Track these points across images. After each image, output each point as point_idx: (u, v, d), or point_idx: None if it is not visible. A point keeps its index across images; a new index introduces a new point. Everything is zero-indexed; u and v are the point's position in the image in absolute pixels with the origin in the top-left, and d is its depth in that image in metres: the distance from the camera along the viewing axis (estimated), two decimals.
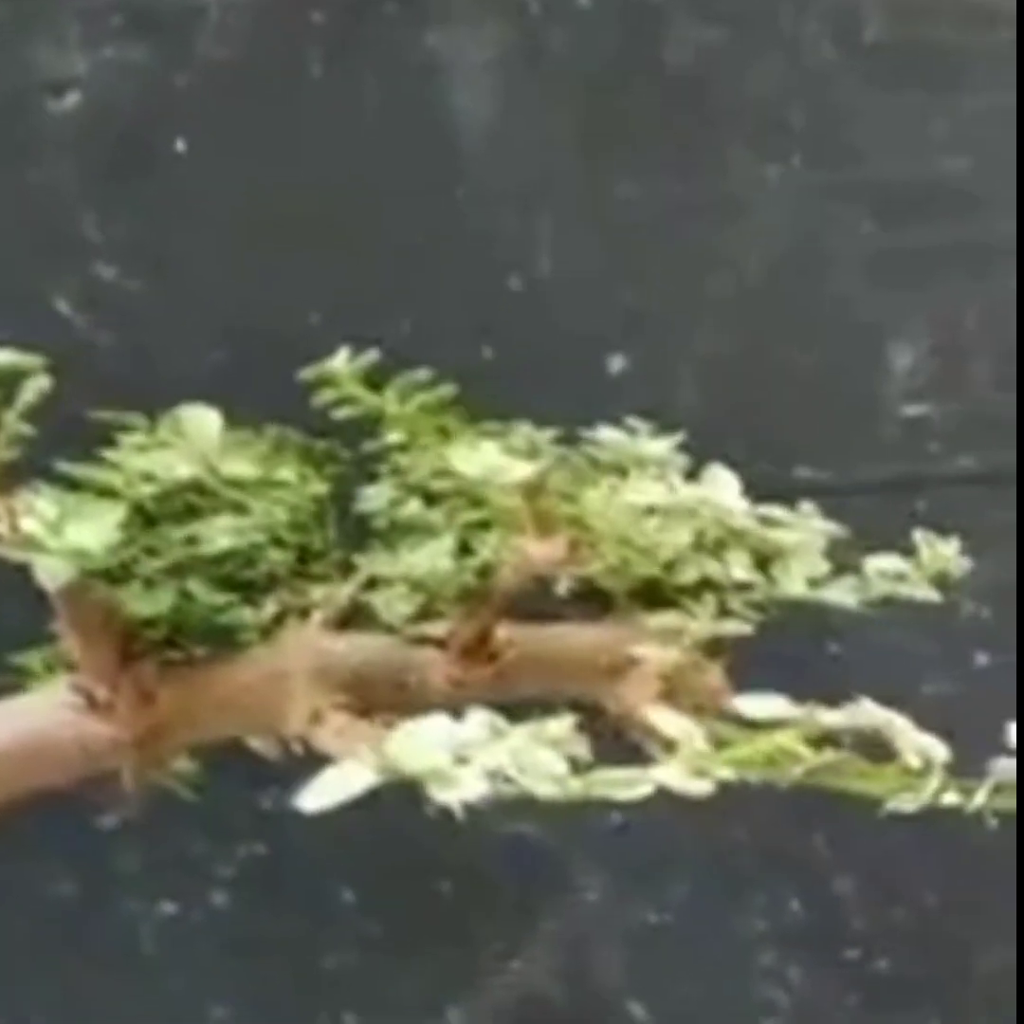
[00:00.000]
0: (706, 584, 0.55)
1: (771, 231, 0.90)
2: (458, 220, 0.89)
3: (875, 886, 0.95)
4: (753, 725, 0.47)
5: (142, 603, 0.53)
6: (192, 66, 0.88)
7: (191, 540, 0.53)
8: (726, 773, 0.44)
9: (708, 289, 0.91)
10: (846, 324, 0.91)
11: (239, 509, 0.53)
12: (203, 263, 0.89)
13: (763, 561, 0.55)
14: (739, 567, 0.54)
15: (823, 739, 0.47)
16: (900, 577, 0.55)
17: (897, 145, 0.90)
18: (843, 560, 0.56)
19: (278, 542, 0.54)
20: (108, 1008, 0.95)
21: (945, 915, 0.95)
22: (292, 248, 0.88)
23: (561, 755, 0.43)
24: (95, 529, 0.46)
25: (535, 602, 0.55)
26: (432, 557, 0.54)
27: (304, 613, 0.55)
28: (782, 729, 0.45)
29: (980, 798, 0.47)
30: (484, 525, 0.54)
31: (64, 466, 0.51)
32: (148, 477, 0.51)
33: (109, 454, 0.51)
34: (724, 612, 0.55)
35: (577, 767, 0.43)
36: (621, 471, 0.56)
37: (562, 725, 0.44)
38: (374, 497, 0.57)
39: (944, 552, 0.55)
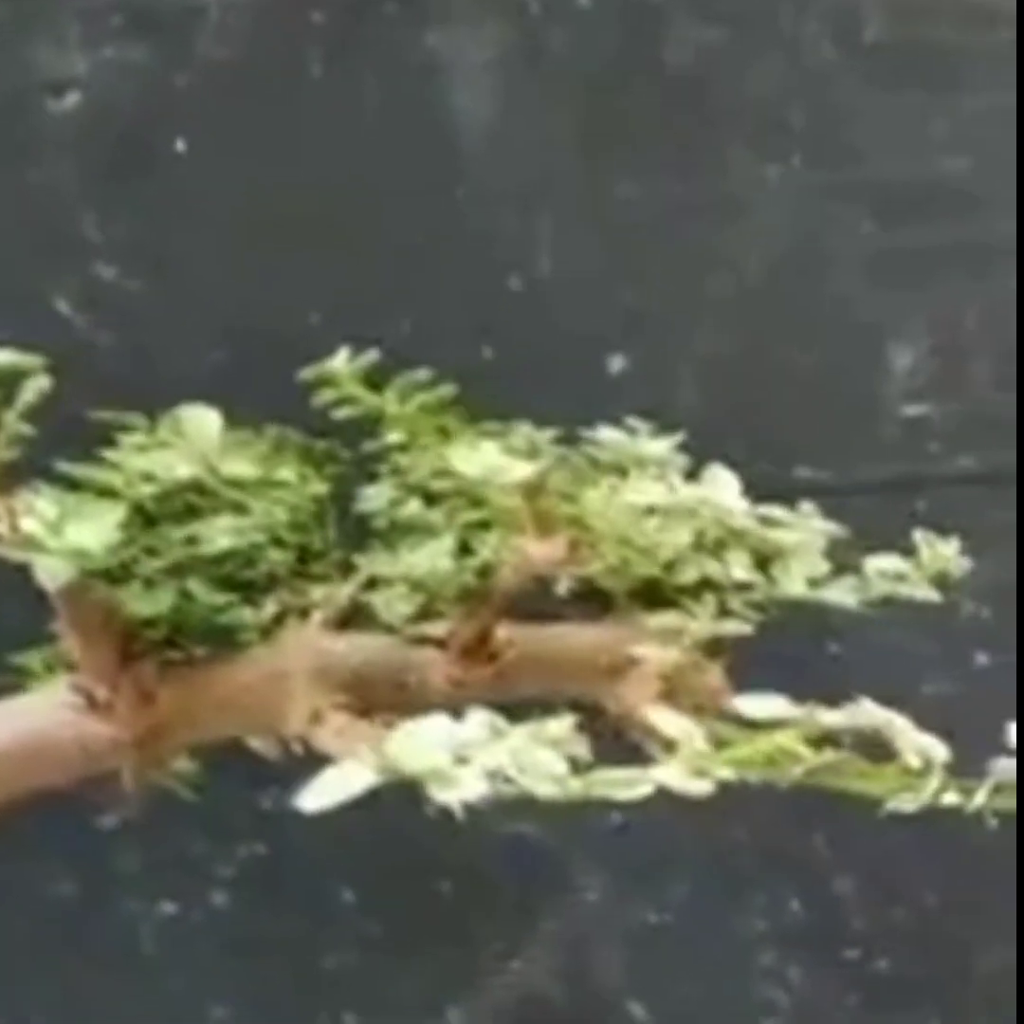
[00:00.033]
0: (706, 584, 0.55)
1: (771, 231, 0.90)
2: (458, 220, 0.89)
3: (875, 886, 0.95)
4: (753, 725, 0.47)
5: (142, 603, 0.53)
6: (192, 66, 0.88)
7: (191, 540, 0.53)
8: (726, 773, 0.44)
9: (708, 289, 0.91)
10: (846, 324, 0.91)
11: (239, 509, 0.53)
12: (203, 263, 0.89)
13: (763, 561, 0.55)
14: (739, 567, 0.54)
15: (823, 739, 0.47)
16: (900, 577, 0.55)
17: (897, 145, 0.90)
18: (843, 560, 0.56)
19: (278, 542, 0.54)
20: (108, 1008, 0.95)
21: (945, 915, 0.95)
22: (292, 248, 0.88)
23: (561, 755, 0.43)
24: (95, 529, 0.46)
25: (535, 602, 0.55)
26: (432, 557, 0.54)
27: (304, 613, 0.55)
28: (782, 729, 0.45)
29: (980, 798, 0.47)
30: (484, 525, 0.54)
31: (64, 466, 0.51)
32: (148, 477, 0.51)
33: (109, 454, 0.51)
34: (724, 612, 0.55)
35: (577, 767, 0.43)
36: (621, 471, 0.56)
37: (562, 725, 0.44)
38: (374, 497, 0.57)
39: (944, 552, 0.55)
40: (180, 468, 0.51)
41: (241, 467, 0.53)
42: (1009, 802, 0.47)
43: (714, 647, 0.55)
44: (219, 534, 0.53)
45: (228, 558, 0.53)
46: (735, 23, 0.89)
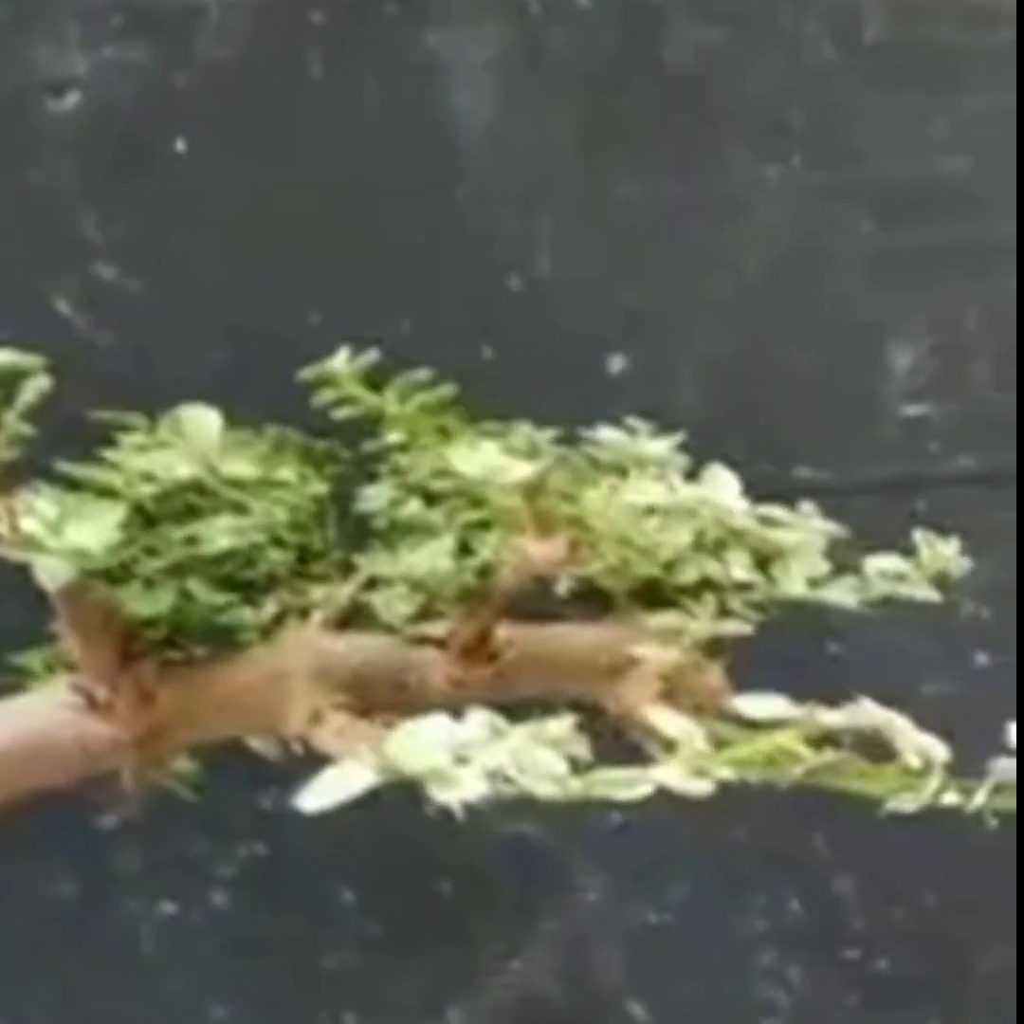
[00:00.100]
0: (706, 584, 0.55)
1: (771, 231, 0.90)
2: (458, 220, 0.89)
3: (875, 886, 0.95)
4: (753, 725, 0.47)
5: (142, 603, 0.53)
6: (192, 66, 0.88)
7: (191, 540, 0.53)
8: (726, 773, 0.44)
9: (708, 289, 0.91)
10: (846, 324, 0.91)
11: (239, 509, 0.53)
12: (203, 263, 0.89)
13: (763, 561, 0.55)
14: (739, 567, 0.54)
15: (823, 739, 0.47)
16: (900, 577, 0.55)
17: (897, 145, 0.90)
18: (843, 560, 0.56)
19: (278, 542, 0.54)
20: (108, 1008, 0.95)
21: (945, 915, 0.95)
22: (292, 248, 0.88)
23: (561, 755, 0.43)
24: (95, 529, 0.46)
25: (535, 602, 0.55)
26: (432, 557, 0.54)
27: (304, 613, 0.55)
28: (782, 729, 0.45)
29: (980, 798, 0.47)
30: (484, 525, 0.54)
31: (64, 466, 0.51)
32: (148, 477, 0.51)
33: (109, 454, 0.51)
34: (724, 612, 0.55)
35: (577, 767, 0.43)
36: (621, 471, 0.56)
37: (562, 725, 0.43)
38: (374, 497, 0.57)
39: (944, 552, 0.55)
40: (180, 468, 0.51)
41: (241, 467, 0.53)
42: (1009, 802, 0.47)
43: (714, 647, 0.55)
44: (219, 534, 0.53)
45: (228, 558, 0.53)
46: (735, 23, 0.89)
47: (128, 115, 0.88)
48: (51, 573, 0.47)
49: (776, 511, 0.55)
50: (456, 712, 0.45)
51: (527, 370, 0.89)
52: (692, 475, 0.56)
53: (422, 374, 0.51)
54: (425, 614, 0.54)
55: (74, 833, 0.90)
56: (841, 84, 0.89)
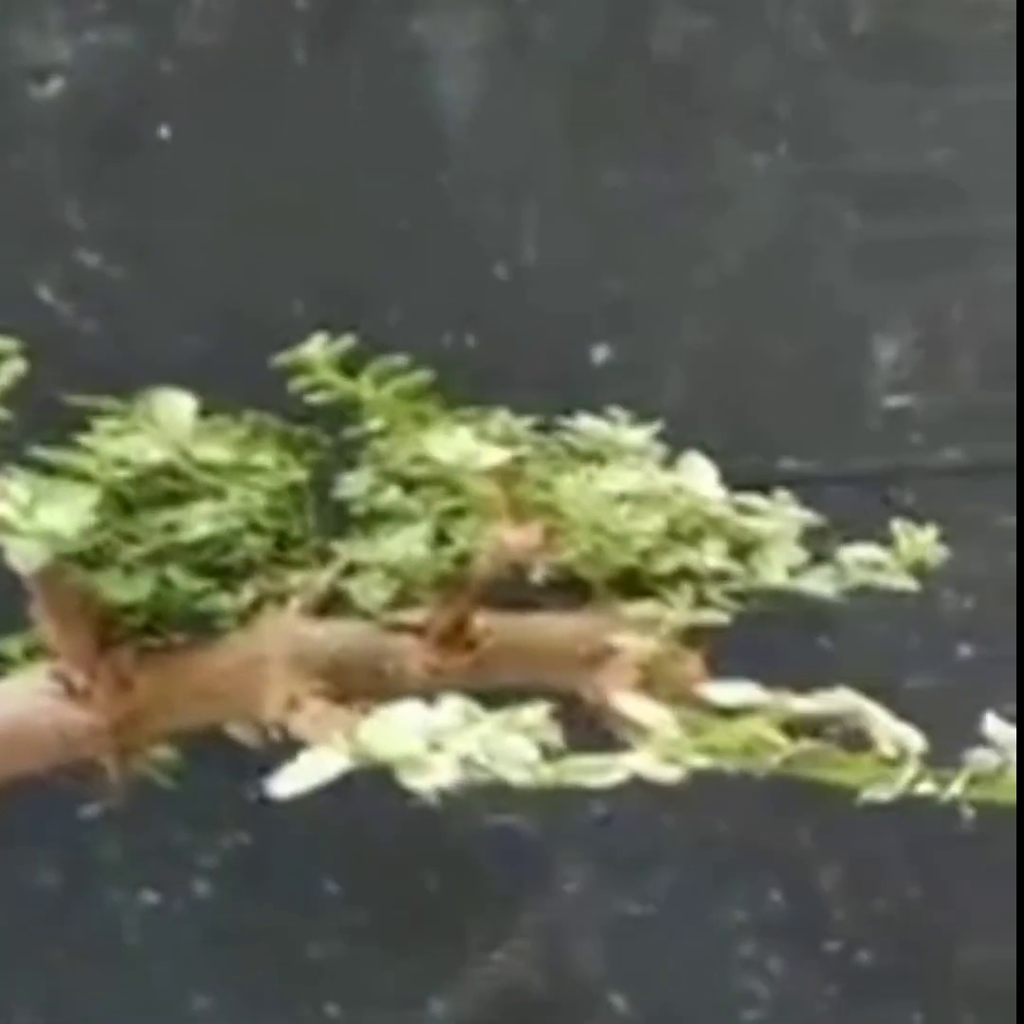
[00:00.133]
0: (684, 573, 0.55)
1: (757, 222, 0.90)
2: (443, 208, 0.89)
3: (856, 878, 0.95)
4: (729, 714, 0.47)
5: (121, 590, 0.53)
6: (176, 52, 0.87)
7: (170, 527, 0.53)
8: (699, 760, 0.44)
9: (694, 279, 0.90)
10: (831, 315, 0.91)
11: (216, 494, 0.53)
12: (187, 250, 0.89)
13: (741, 550, 0.55)
14: (716, 556, 0.54)
15: (801, 729, 0.47)
16: (877, 566, 0.55)
17: (884, 136, 0.90)
18: (822, 550, 0.56)
19: (256, 528, 0.54)
20: (90, 998, 0.95)
21: (927, 907, 0.96)
22: (276, 235, 0.88)
23: (533, 742, 0.43)
24: (67, 512, 0.46)
25: (514, 591, 0.55)
26: (408, 544, 0.54)
27: (282, 599, 0.55)
28: (754, 716, 0.45)
29: (956, 788, 0.47)
30: (461, 512, 0.54)
31: (39, 451, 0.50)
32: (122, 462, 0.51)
33: (83, 439, 0.51)
34: (702, 602, 0.55)
35: (549, 754, 0.43)
36: (600, 460, 0.56)
37: (536, 712, 0.43)
38: (353, 484, 0.57)
39: (922, 541, 0.55)
40: (152, 452, 0.51)
41: (215, 452, 0.53)
42: (986, 793, 0.47)
43: (693, 637, 0.55)
44: (198, 520, 0.53)
45: (206, 544, 0.53)
46: (722, 12, 0.88)
47: (111, 101, 0.88)
48: (24, 556, 0.47)
49: (752, 499, 0.55)
50: (433, 700, 0.45)
51: (512, 358, 0.89)
52: (671, 464, 0.56)
53: (398, 360, 0.51)
54: (402, 601, 0.55)
55: (56, 822, 0.90)
56: (828, 75, 0.89)
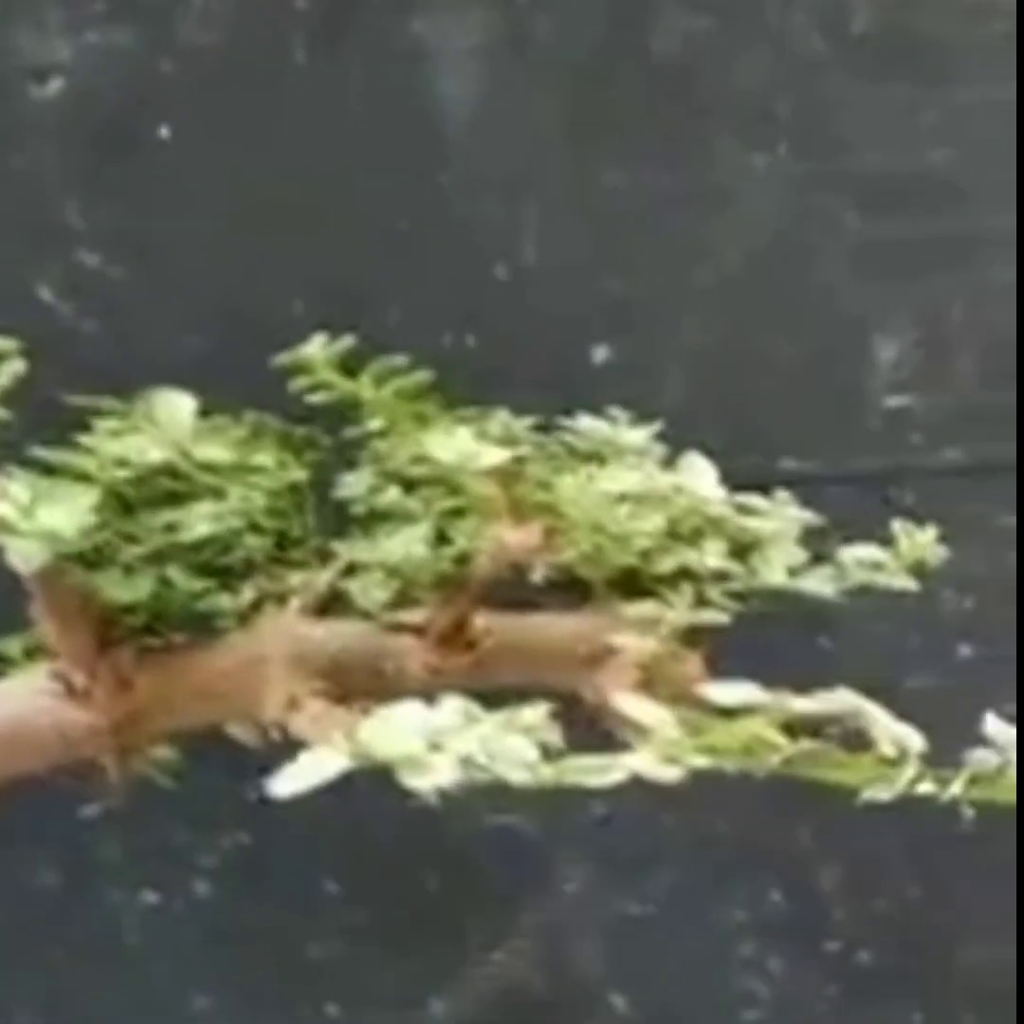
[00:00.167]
0: (684, 573, 0.55)
1: (757, 222, 0.90)
2: (443, 208, 0.89)
3: (857, 878, 0.95)
4: (729, 714, 0.47)
5: (121, 590, 0.53)
6: (176, 52, 0.87)
7: (170, 527, 0.53)
8: (699, 760, 0.44)
9: (694, 279, 0.90)
10: (831, 315, 0.91)
11: (216, 494, 0.53)
12: (187, 250, 0.89)
13: (741, 550, 0.55)
14: (716, 556, 0.54)
15: (801, 729, 0.47)
16: (877, 566, 0.55)
17: (884, 136, 0.90)
18: (822, 550, 0.56)
19: (256, 528, 0.55)
20: (90, 998, 0.95)
21: (927, 907, 0.96)
22: (276, 235, 0.88)
23: (533, 742, 0.43)
24: (67, 512, 0.46)
25: (514, 591, 0.55)
26: (407, 544, 0.54)
27: (282, 599, 0.55)
28: (753, 716, 0.45)
29: (956, 788, 0.47)
30: (461, 512, 0.54)
31: (39, 451, 0.50)
32: (121, 462, 0.51)
33: (83, 439, 0.51)
34: (702, 602, 0.55)
35: (549, 754, 0.43)
36: (600, 460, 0.56)
37: (536, 712, 0.43)
38: (353, 484, 0.57)
39: (921, 541, 0.55)
40: (152, 452, 0.51)
41: (214, 452, 0.53)
42: (986, 793, 0.47)
43: (693, 637, 0.55)
44: (198, 520, 0.53)
45: (206, 544, 0.53)
46: (722, 12, 0.88)
47: (111, 101, 0.88)
48: (24, 556, 0.47)
49: (752, 499, 0.55)
50: (433, 700, 0.45)
51: (512, 358, 0.89)
52: (671, 464, 0.56)
53: (398, 360, 0.51)
54: (402, 601, 0.55)
55: (56, 822, 0.90)
56: (828, 75, 0.89)
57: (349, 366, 0.51)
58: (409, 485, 0.56)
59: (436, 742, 0.43)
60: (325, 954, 0.95)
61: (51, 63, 0.87)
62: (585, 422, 0.56)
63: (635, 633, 0.54)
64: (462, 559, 0.53)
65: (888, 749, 0.47)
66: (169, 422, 0.52)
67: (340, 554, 0.55)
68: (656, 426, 0.57)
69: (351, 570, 0.55)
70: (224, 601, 0.54)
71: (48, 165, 0.88)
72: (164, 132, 0.88)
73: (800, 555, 0.55)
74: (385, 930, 0.95)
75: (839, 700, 0.47)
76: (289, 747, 0.50)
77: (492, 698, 0.46)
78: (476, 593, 0.53)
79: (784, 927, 0.95)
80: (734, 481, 0.57)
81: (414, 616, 0.54)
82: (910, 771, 0.46)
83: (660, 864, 0.95)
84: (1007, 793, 0.47)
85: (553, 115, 0.89)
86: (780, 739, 0.46)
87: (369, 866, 0.94)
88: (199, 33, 0.87)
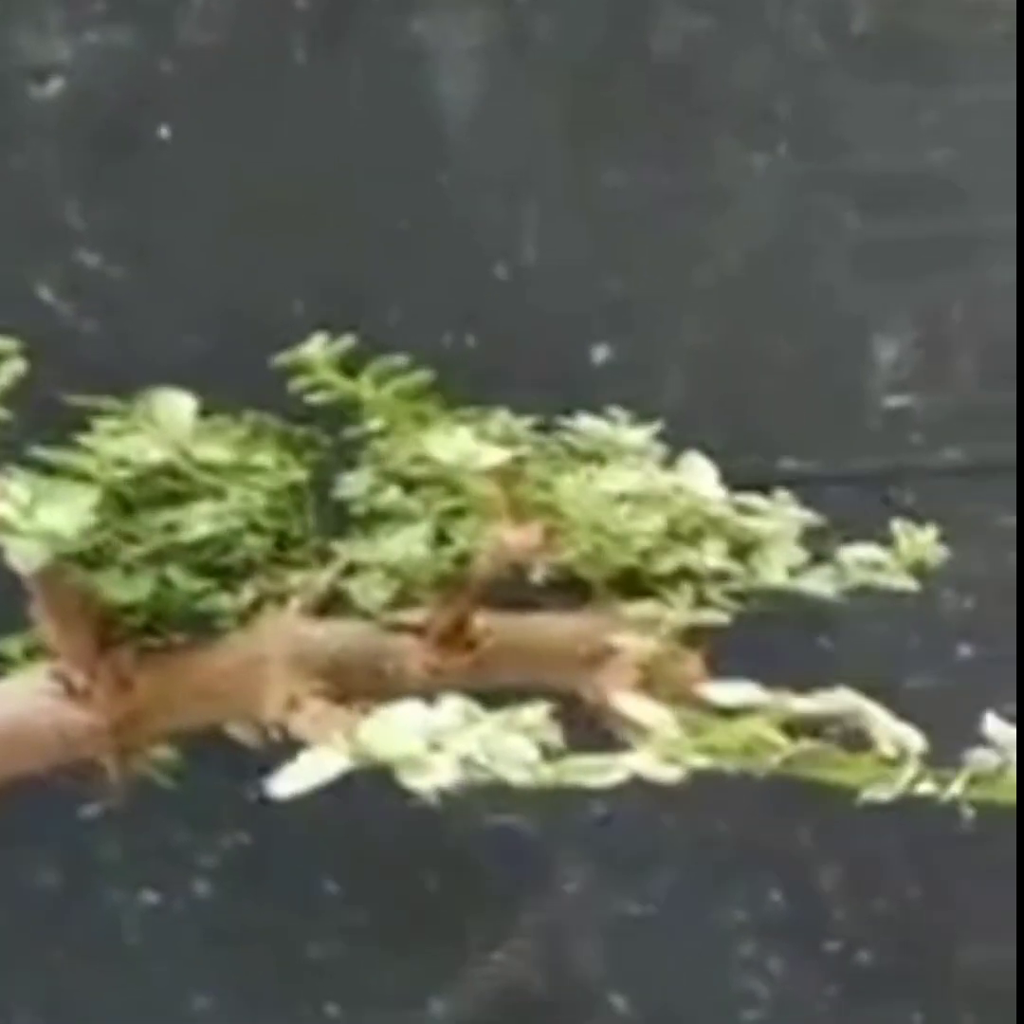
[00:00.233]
0: (684, 573, 0.55)
1: (757, 222, 0.90)
2: (443, 208, 0.89)
3: (857, 878, 0.95)
4: (729, 714, 0.47)
5: (121, 590, 0.53)
6: (176, 52, 0.87)
7: (170, 527, 0.53)
8: (699, 760, 0.44)
9: (694, 279, 0.90)
10: (831, 315, 0.91)
11: (216, 494, 0.53)
12: (187, 250, 0.89)
13: (741, 550, 0.55)
14: (716, 556, 0.54)
15: (801, 729, 0.47)
16: (877, 566, 0.55)
17: (884, 136, 0.90)
18: (822, 550, 0.56)
19: (256, 528, 0.55)
20: (90, 998, 0.95)
21: (927, 907, 0.96)
22: (276, 235, 0.88)
23: (533, 742, 0.43)
24: (67, 512, 0.46)
25: (515, 591, 0.55)
26: (407, 544, 0.54)
27: (282, 599, 0.55)
28: (754, 716, 0.45)
29: (956, 788, 0.47)
30: (461, 512, 0.54)
31: (39, 451, 0.50)
32: (122, 462, 0.51)
33: (83, 439, 0.51)
34: (702, 602, 0.55)
35: (549, 754, 0.43)
36: (600, 460, 0.56)
37: (536, 712, 0.43)
38: (353, 484, 0.57)
39: (921, 541, 0.55)
40: (152, 452, 0.51)
41: (215, 452, 0.53)
42: (986, 793, 0.47)
43: (693, 637, 0.55)
44: (198, 520, 0.53)
45: (206, 544, 0.53)
46: (722, 12, 0.88)
47: (111, 101, 0.88)
48: (24, 556, 0.47)
49: (752, 499, 0.55)
50: (433, 700, 0.45)
51: (512, 358, 0.89)
52: (671, 464, 0.56)
53: (398, 360, 0.51)
54: (402, 601, 0.55)
55: (56, 822, 0.90)
56: (828, 75, 0.89)
57: (349, 366, 0.51)
58: (409, 485, 0.56)
59: (436, 742, 0.43)
60: (325, 954, 0.95)
61: (51, 63, 0.87)
62: (585, 422, 0.56)
63: (635, 633, 0.54)
64: (462, 559, 0.53)
65: (888, 749, 0.47)
66: (169, 422, 0.52)
67: (340, 554, 0.55)
68: (656, 426, 0.57)
69: (351, 570, 0.55)
70: (224, 601, 0.54)
71: (48, 165, 0.88)
72: (164, 132, 0.88)
73: (800, 555, 0.55)
74: (385, 930, 0.95)
75: (839, 700, 0.47)
76: (289, 747, 0.50)
77: (492, 698, 0.46)
78: (476, 593, 0.53)
79: (784, 927, 0.95)
80: (734, 481, 0.57)
81: (414, 616, 0.54)
82: (910, 771, 0.46)
83: (660, 864, 0.95)
84: (1007, 793, 0.47)
85: (553, 115, 0.89)
86: (780, 739, 0.46)
87: (369, 866, 0.94)
88: (199, 33, 0.87)
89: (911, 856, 0.94)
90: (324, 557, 0.56)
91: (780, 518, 0.55)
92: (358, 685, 0.53)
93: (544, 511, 0.51)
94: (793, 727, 0.47)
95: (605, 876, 0.95)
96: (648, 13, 0.88)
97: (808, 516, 0.56)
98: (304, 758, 0.44)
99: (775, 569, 0.55)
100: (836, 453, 0.92)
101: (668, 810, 0.93)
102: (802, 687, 0.49)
